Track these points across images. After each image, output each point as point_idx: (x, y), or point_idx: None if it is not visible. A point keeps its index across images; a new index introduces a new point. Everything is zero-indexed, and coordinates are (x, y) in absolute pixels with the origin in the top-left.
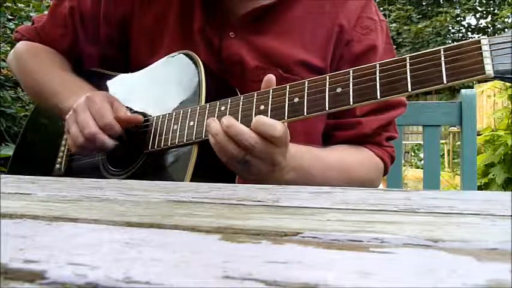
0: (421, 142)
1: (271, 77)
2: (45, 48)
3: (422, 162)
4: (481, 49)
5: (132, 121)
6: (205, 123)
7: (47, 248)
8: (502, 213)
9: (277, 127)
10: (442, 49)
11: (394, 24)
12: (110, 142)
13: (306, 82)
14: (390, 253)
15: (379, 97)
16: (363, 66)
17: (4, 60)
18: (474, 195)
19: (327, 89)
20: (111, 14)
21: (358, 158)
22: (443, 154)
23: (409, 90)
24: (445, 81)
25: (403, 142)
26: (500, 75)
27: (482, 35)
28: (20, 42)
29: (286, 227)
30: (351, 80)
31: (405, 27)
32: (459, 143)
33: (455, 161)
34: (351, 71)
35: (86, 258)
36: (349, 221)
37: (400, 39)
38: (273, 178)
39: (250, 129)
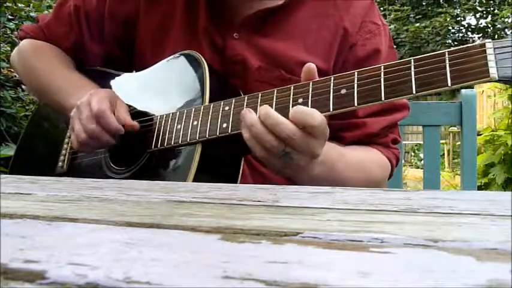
0: (421, 142)
1: (310, 66)
2: (49, 46)
3: (422, 162)
4: (485, 52)
5: (127, 126)
6: (209, 123)
7: (47, 248)
8: (502, 213)
9: (316, 116)
10: (446, 52)
11: (393, 26)
12: (112, 140)
13: (311, 83)
14: (390, 253)
15: (383, 99)
16: (368, 68)
17: (4, 60)
18: (474, 195)
19: (332, 90)
20: (116, 13)
21: (373, 158)
22: (443, 154)
23: (414, 92)
24: (449, 84)
25: (403, 142)
26: (504, 79)
27: (482, 35)
28: (25, 40)
29: (286, 227)
30: (355, 81)
31: (404, 28)
32: (459, 143)
33: (455, 161)
34: (356, 73)
35: (86, 258)
36: (349, 221)
37: (399, 40)
38: (307, 171)
39: (290, 120)
